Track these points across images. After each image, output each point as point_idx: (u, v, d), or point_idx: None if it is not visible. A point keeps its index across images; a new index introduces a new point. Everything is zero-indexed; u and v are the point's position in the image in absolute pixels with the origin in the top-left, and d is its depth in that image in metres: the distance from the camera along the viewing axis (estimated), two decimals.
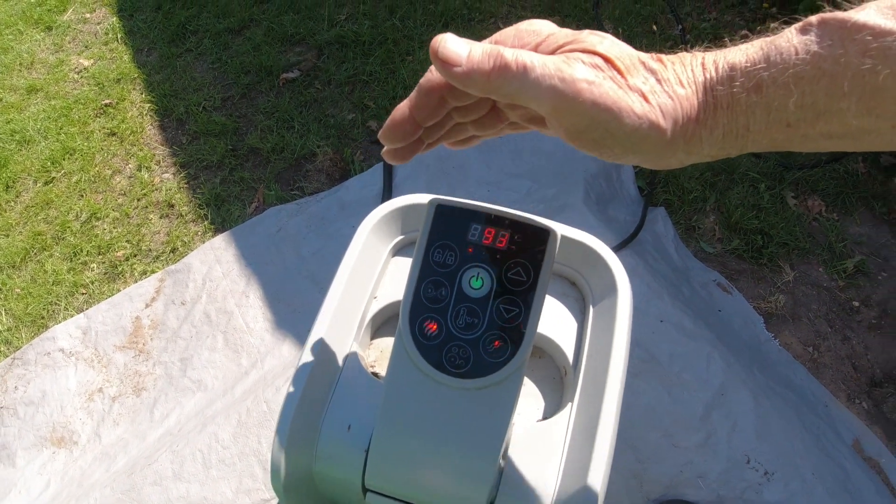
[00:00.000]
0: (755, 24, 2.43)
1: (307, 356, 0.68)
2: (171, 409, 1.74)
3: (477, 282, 0.57)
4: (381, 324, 0.81)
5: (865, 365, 1.82)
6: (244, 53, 2.30)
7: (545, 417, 0.71)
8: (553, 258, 0.57)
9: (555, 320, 0.76)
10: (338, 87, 2.15)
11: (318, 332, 0.71)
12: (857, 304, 1.90)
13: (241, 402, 1.64)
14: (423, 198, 0.80)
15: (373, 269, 0.79)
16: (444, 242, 0.57)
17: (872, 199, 2.06)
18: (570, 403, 0.68)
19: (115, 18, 2.66)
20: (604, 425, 0.62)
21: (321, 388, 0.68)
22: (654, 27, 2.42)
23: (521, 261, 0.56)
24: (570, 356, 0.73)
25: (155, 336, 1.81)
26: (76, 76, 2.49)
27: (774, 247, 1.94)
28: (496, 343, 0.55)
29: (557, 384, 0.75)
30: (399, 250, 0.84)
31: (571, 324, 0.76)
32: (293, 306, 1.74)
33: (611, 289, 0.75)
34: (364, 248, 0.78)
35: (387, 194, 1.81)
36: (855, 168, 2.12)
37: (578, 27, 1.87)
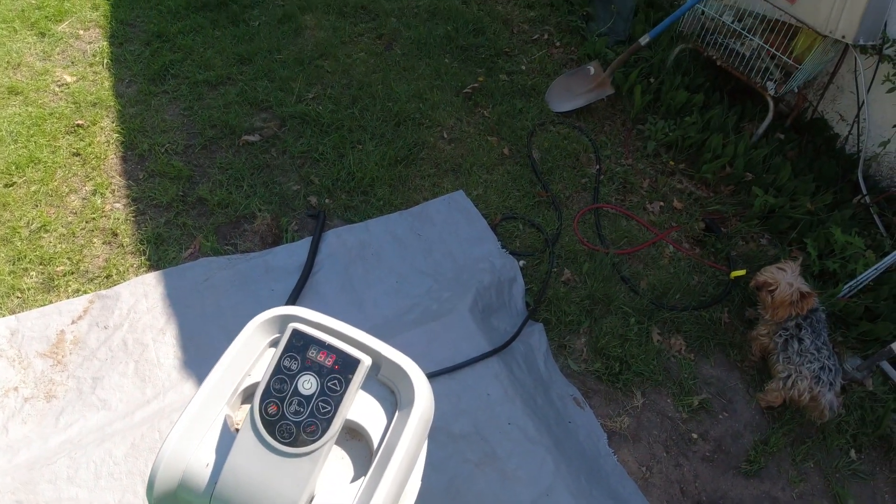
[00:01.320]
0: (664, 176, 2.94)
1: (192, 406, 1.03)
2: (76, 420, 2.01)
3: (307, 384, 0.95)
4: (250, 394, 1.16)
5: (693, 491, 2.24)
6: (214, 108, 2.66)
7: (352, 481, 1.07)
8: (361, 378, 0.95)
9: (371, 414, 1.13)
10: (290, 158, 2.53)
11: (203, 390, 1.06)
12: (695, 436, 2.34)
13: (138, 427, 1.94)
14: (299, 311, 1.16)
15: (252, 354, 1.15)
16: (291, 354, 0.96)
17: (730, 346, 2.53)
18: (363, 476, 1.04)
19: (105, 42, 2.99)
20: (379, 493, 0.98)
21: (197, 432, 1.03)
22: (576, 162, 2.90)
23: (338, 376, 0.95)
24: (376, 442, 1.09)
25: (74, 351, 2.10)
26: (57, 89, 2.80)
27: (631, 374, 2.36)
28: (312, 427, 0.94)
29: (367, 460, 1.12)
30: (273, 344, 1.20)
31: (382, 419, 1.13)
32: (202, 351, 2.06)
33: (412, 400, 1.12)
34: (250, 337, 1.13)
35: (307, 268, 2.17)
36: (719, 317, 2.59)
37: (511, 151, 2.39)
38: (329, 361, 0.97)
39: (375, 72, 2.95)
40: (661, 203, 2.87)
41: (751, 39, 2.91)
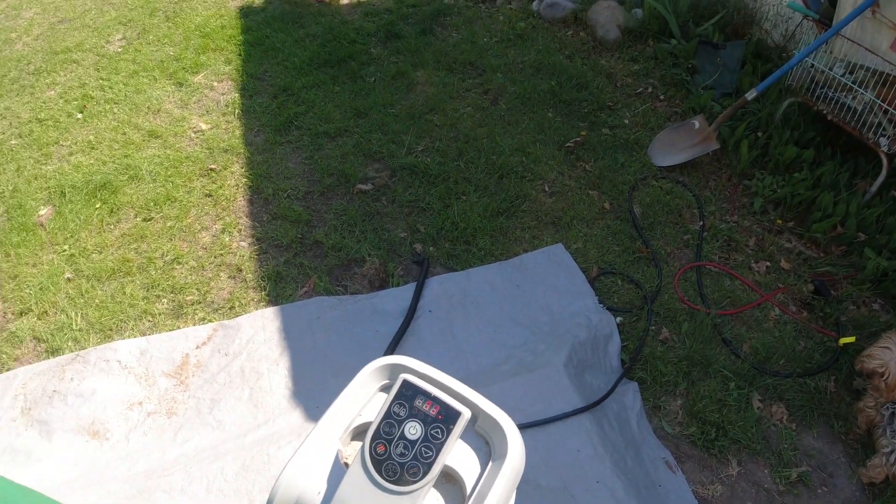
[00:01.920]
0: (771, 234, 2.92)
1: (311, 438, 1.18)
2: (192, 437, 2.25)
3: (413, 430, 1.08)
4: (358, 434, 1.31)
5: None
6: (332, 158, 2.94)
7: None
8: (460, 429, 1.07)
9: (467, 462, 1.25)
10: (399, 207, 2.75)
11: (321, 425, 1.21)
12: None
13: (249, 449, 2.15)
14: (409, 361, 1.31)
15: (364, 396, 1.30)
16: (401, 401, 1.10)
17: (835, 417, 2.45)
18: None
19: (237, 94, 3.39)
20: None
21: (312, 462, 1.18)
22: (679, 218, 2.94)
23: (441, 425, 1.08)
24: (469, 488, 1.21)
25: (196, 374, 2.35)
26: (193, 135, 3.19)
27: (727, 441, 2.34)
28: (414, 469, 1.07)
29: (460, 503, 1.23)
30: (383, 388, 1.35)
31: (477, 467, 1.25)
32: (311, 384, 2.25)
33: (505, 452, 1.23)
34: (363, 381, 1.29)
35: (410, 313, 2.34)
36: (825, 386, 2.52)
37: (611, 206, 2.49)
38: (433, 411, 1.10)
39: (481, 126, 3.15)
40: (768, 263, 2.84)
41: (862, 93, 2.87)
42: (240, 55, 3.73)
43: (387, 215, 2.72)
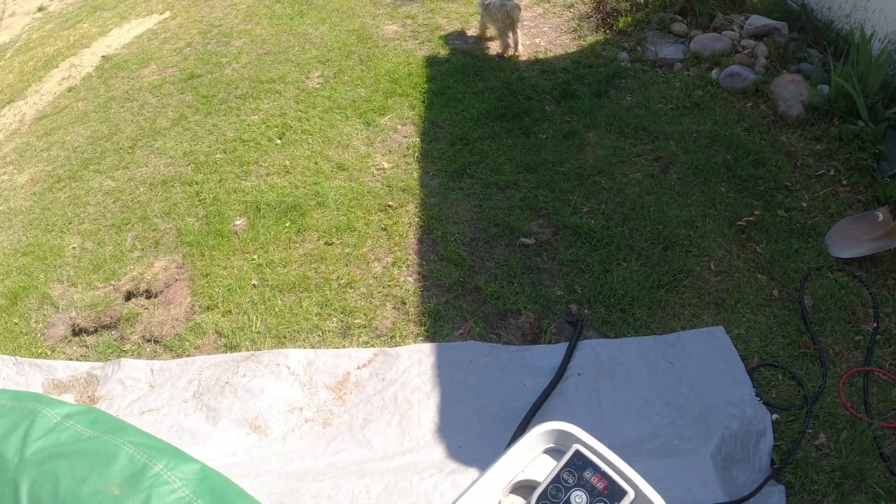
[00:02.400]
0: None
1: (478, 484, 1.31)
2: (343, 450, 2.48)
3: (578, 499, 1.18)
4: (518, 489, 1.43)
5: None
6: (500, 209, 3.14)
7: None
8: None
9: None
10: (559, 265, 2.87)
11: (489, 474, 1.34)
12: None
13: (393, 473, 2.33)
14: (579, 432, 1.40)
15: (529, 455, 1.41)
16: (570, 469, 1.20)
17: None
18: None
19: (417, 139, 3.71)
20: None
21: None
22: (852, 315, 2.78)
23: (605, 500, 1.17)
24: None
25: (354, 392, 2.59)
26: (375, 171, 3.54)
27: None
28: None
29: None
30: (547, 451, 1.46)
31: None
32: (456, 423, 2.41)
33: None
34: (530, 441, 1.40)
35: (559, 373, 2.43)
36: None
37: (780, 294, 2.45)
38: (601, 485, 1.19)
39: (649, 193, 3.20)
40: None
41: None
42: (423, 102, 4.09)
43: (546, 271, 2.85)
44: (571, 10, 5.15)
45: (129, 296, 3.25)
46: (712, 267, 2.92)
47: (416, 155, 3.60)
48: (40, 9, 9.43)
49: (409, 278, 2.91)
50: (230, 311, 3.00)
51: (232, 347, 2.87)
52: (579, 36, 4.75)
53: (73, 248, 3.71)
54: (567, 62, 4.41)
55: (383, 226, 3.19)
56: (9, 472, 1.45)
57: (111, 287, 3.34)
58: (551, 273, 2.84)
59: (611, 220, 3.03)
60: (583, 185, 3.23)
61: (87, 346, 3.11)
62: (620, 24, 4.74)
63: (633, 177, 3.31)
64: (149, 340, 3.02)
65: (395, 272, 2.94)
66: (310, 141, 3.94)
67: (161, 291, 3.21)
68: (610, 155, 3.44)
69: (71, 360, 3.05)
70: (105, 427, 1.53)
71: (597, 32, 4.77)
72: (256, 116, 4.37)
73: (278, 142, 4.02)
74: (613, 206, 3.12)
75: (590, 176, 3.29)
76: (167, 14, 6.96)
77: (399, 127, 3.89)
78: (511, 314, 2.69)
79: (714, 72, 4.12)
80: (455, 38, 4.95)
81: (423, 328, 2.70)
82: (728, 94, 4.00)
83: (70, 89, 5.83)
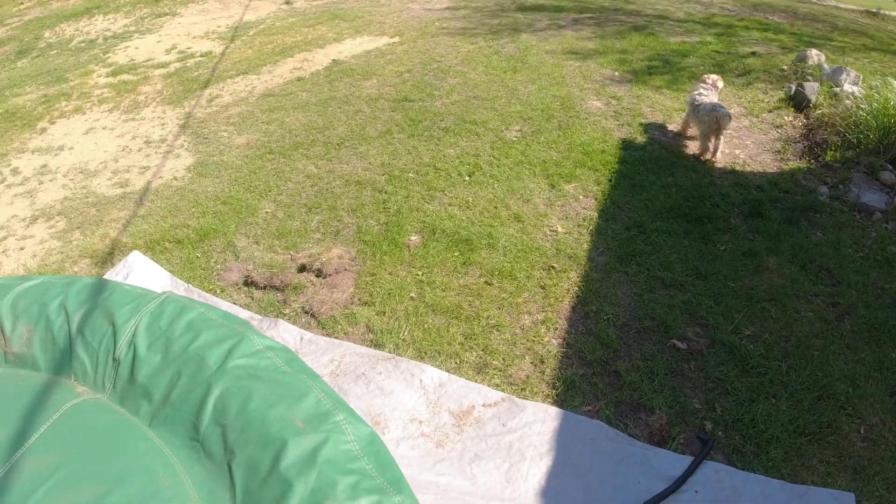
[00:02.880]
0: None
1: None
2: (448, 474, 2.58)
3: None
4: None
5: None
6: (659, 304, 3.17)
7: None
8: None
9: None
10: (705, 379, 2.84)
11: None
12: None
13: None
14: None
15: None
16: None
17: None
18: None
19: (595, 213, 3.85)
20: None
21: None
22: None
23: None
24: None
25: (473, 426, 2.72)
26: (548, 231, 3.71)
27: None
28: None
29: None
30: None
31: None
32: (561, 495, 2.45)
33: None
34: None
35: (676, 484, 2.41)
36: None
37: None
38: None
39: (818, 337, 3.08)
40: None
41: None
42: (609, 181, 4.22)
43: (690, 380, 2.83)
44: (779, 131, 5.08)
45: (301, 268, 3.65)
46: (861, 431, 2.74)
47: (591, 228, 3.72)
48: (287, 2, 10.76)
49: (554, 340, 3.01)
50: (384, 312, 3.27)
51: (377, 345, 3.12)
52: (781, 158, 4.67)
53: (266, 212, 4.22)
54: (763, 181, 4.35)
55: (542, 283, 3.33)
56: (205, 375, 1.72)
57: (289, 256, 3.76)
58: (695, 384, 2.82)
59: (770, 351, 2.95)
60: (751, 307, 3.18)
61: (252, 298, 3.51)
62: (827, 158, 4.60)
63: (804, 315, 3.20)
64: (307, 312, 3.36)
65: (542, 330, 3.06)
66: (495, 186, 4.21)
67: (330, 274, 3.57)
68: (786, 286, 3.35)
69: (235, 304, 3.46)
70: (300, 368, 1.78)
71: (800, 159, 4.66)
72: (453, 150, 4.74)
73: (467, 178, 4.32)
74: (777, 338, 3.04)
75: (760, 300, 3.23)
76: (396, 39, 7.71)
77: (581, 197, 4.04)
78: (644, 409, 2.71)
79: None
80: (654, 129, 5.06)
81: (554, 391, 2.78)
82: None
83: (299, 79, 6.63)
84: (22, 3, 17.28)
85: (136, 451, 1.54)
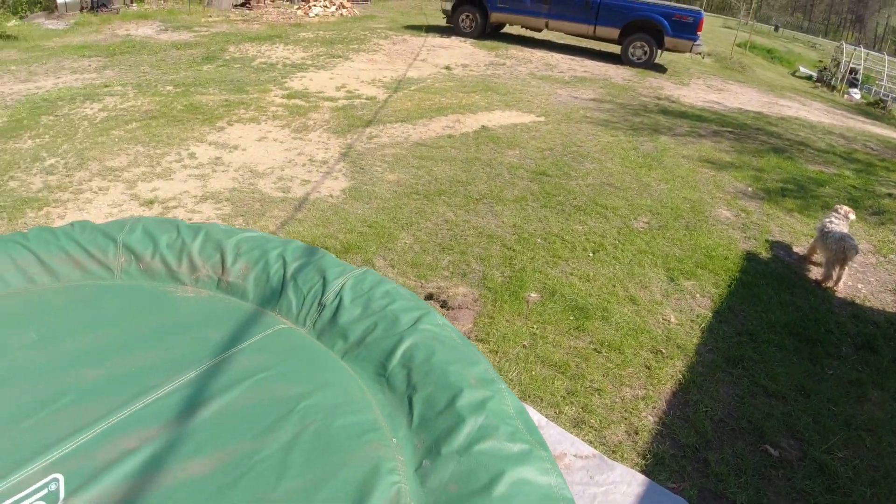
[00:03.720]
0: None
1: None
2: None
3: None
4: None
5: None
6: (759, 410, 3.32)
7: None
8: None
9: None
10: (791, 488, 2.95)
11: None
12: None
13: None
14: None
15: None
16: None
17: None
18: None
19: (709, 313, 4.05)
20: None
21: None
22: None
23: None
24: None
25: (564, 472, 2.96)
26: (660, 319, 3.95)
27: None
28: None
29: None
30: None
31: None
32: None
33: None
34: None
35: None
36: None
37: None
38: None
39: None
40: None
41: None
42: (727, 286, 4.42)
43: (775, 486, 2.93)
44: None
45: (429, 296, 4.07)
46: None
47: (703, 325, 3.93)
48: (447, 68, 11.75)
49: (650, 417, 3.23)
50: (497, 351, 3.61)
51: None
52: None
53: (405, 243, 4.73)
54: (881, 318, 4.39)
55: (648, 364, 3.56)
56: (398, 329, 2.12)
57: (419, 283, 4.21)
58: (779, 490, 2.93)
59: (858, 476, 3.01)
60: (847, 432, 3.25)
61: None
62: None
63: None
64: None
65: (641, 406, 3.28)
66: (616, 267, 4.52)
67: (453, 308, 3.97)
68: (886, 420, 3.39)
69: None
70: (468, 342, 2.17)
71: None
72: (580, 227, 5.11)
73: (591, 254, 4.66)
74: (867, 466, 3.09)
75: (857, 428, 3.30)
76: (542, 119, 8.31)
77: (697, 295, 4.26)
78: (726, 501, 2.85)
79: None
80: (779, 248, 5.20)
81: (643, 461, 2.99)
82: None
83: (449, 136, 7.30)
84: (210, 16, 19.68)
85: (332, 369, 1.95)
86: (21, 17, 20.63)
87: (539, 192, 5.74)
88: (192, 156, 6.36)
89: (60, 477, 1.49)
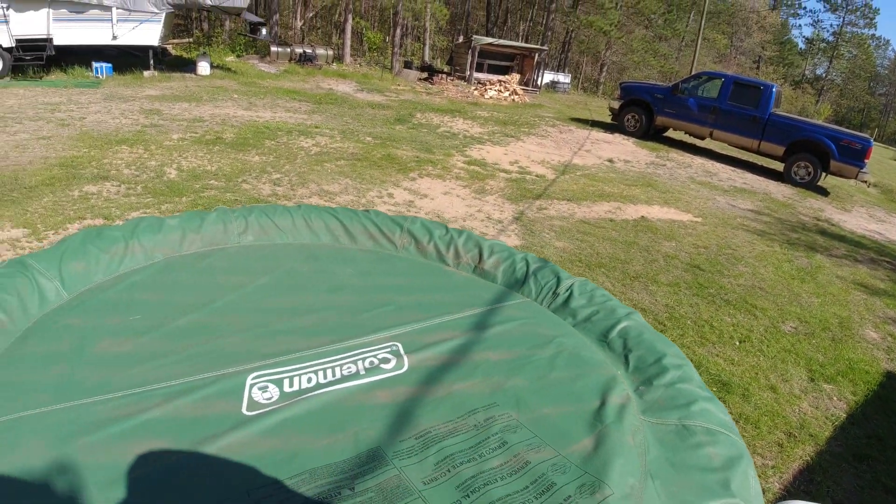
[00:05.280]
0: None
1: None
2: None
3: None
4: None
5: None
6: (878, 501, 3.70)
7: None
8: None
9: None
10: None
11: None
12: None
13: None
14: None
15: None
16: None
17: None
18: None
19: (843, 414, 4.45)
20: None
21: None
22: None
23: None
24: None
25: None
26: (797, 409, 4.42)
27: None
28: None
29: None
30: None
31: None
32: None
33: None
34: None
35: None
36: None
37: None
38: None
39: None
40: None
41: None
42: (865, 396, 4.75)
43: None
44: None
45: None
46: None
47: (836, 423, 4.32)
48: (610, 160, 12.66)
49: (776, 484, 3.71)
50: None
51: None
52: None
53: None
54: None
55: (780, 442, 4.03)
56: (617, 315, 2.84)
57: None
58: None
59: None
60: None
61: None
62: None
63: None
64: None
65: (769, 472, 3.78)
66: (760, 358, 5.02)
67: None
68: None
69: None
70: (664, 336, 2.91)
71: None
72: (729, 319, 5.66)
73: (737, 343, 5.20)
74: None
75: None
76: (699, 219, 8.92)
77: (834, 398, 4.66)
78: None
79: None
80: None
81: None
82: None
83: (611, 220, 8.12)
84: (398, 85, 22.19)
85: (568, 330, 2.81)
86: (238, 56, 24.47)
87: (692, 282, 6.36)
88: (390, 196, 7.68)
89: (399, 344, 2.48)
